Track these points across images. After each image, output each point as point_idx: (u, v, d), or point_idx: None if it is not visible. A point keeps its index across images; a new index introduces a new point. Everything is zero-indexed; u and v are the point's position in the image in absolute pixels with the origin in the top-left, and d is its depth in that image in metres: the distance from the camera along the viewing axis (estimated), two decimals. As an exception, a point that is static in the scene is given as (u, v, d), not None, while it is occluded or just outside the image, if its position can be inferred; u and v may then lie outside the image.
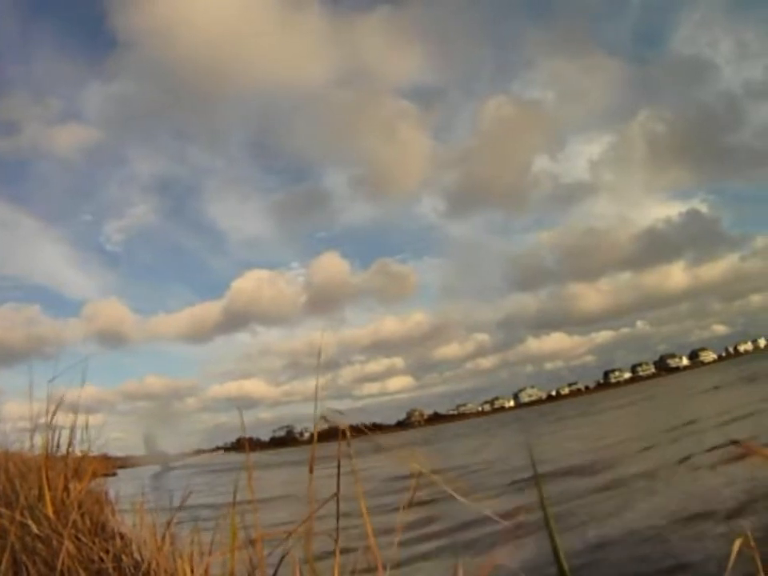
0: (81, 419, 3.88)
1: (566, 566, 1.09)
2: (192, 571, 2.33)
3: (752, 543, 1.45)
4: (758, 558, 1.39)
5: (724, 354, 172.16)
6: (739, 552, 1.47)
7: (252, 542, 2.04)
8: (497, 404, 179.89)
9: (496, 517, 1.80)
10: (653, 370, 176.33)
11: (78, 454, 3.80)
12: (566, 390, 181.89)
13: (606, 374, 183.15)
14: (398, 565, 1.95)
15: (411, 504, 1.90)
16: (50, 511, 2.83)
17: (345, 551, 1.85)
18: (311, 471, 1.85)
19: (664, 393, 33.85)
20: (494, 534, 5.33)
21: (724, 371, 47.26)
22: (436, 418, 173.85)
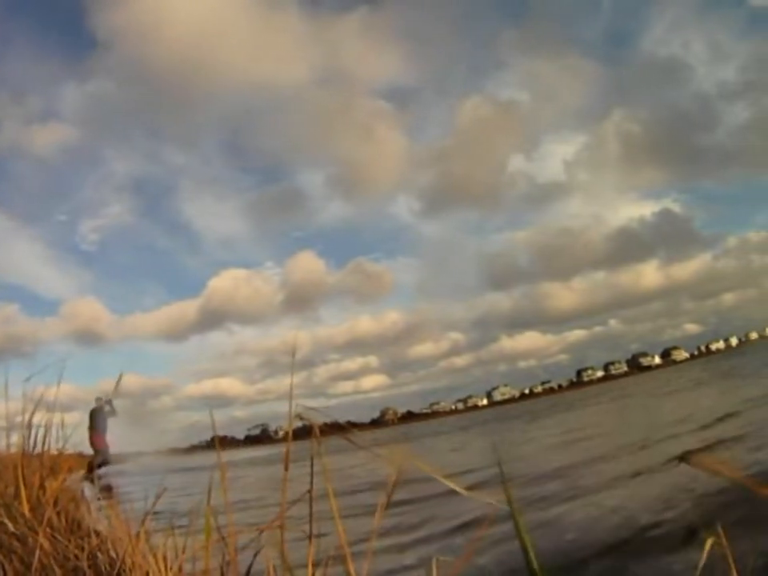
0: (57, 417, 3.90)
1: (536, 565, 1.13)
2: (166, 568, 2.35)
3: (724, 541, 1.47)
4: (730, 556, 1.42)
5: (696, 353, 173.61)
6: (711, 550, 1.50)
7: (225, 540, 2.06)
8: (470, 402, 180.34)
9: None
10: (625, 368, 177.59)
11: (54, 452, 3.82)
12: (539, 389, 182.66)
13: (579, 373, 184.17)
14: (370, 559, 1.98)
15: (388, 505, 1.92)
16: (25, 509, 2.85)
17: (318, 548, 1.88)
18: (286, 469, 1.88)
19: (641, 391, 33.91)
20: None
21: (698, 369, 47.60)
22: (409, 417, 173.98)
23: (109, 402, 22.43)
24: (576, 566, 3.80)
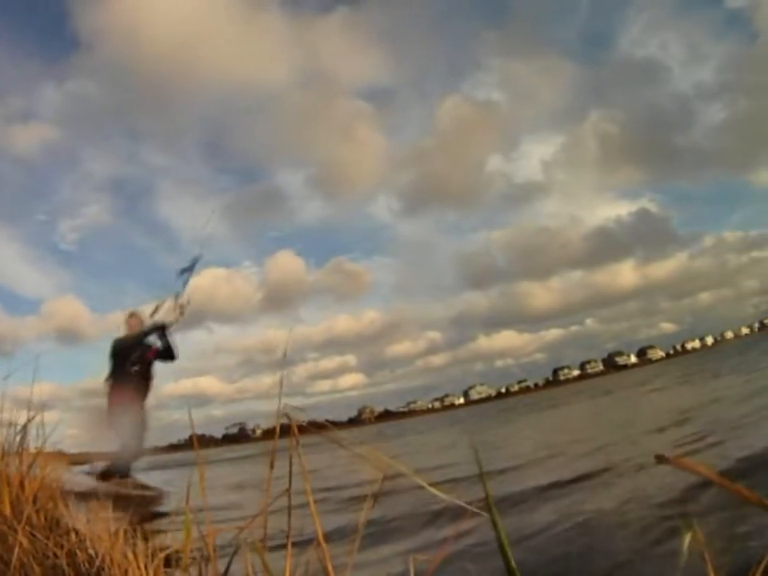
0: (37, 416, 3.90)
1: (512, 562, 1.16)
2: (145, 567, 2.36)
3: (701, 538, 1.49)
4: (707, 554, 1.42)
5: (672, 352, 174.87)
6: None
7: (205, 538, 2.07)
8: (447, 401, 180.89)
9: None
10: (601, 367, 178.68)
11: (34, 450, 3.82)
12: (515, 388, 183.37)
13: (555, 372, 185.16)
14: (350, 558, 2.00)
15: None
16: (5, 508, 2.86)
17: (297, 546, 1.90)
18: (271, 467, 1.89)
19: (617, 389, 34.12)
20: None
21: (674, 368, 47.99)
22: (386, 416, 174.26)
23: (181, 308, 10.61)
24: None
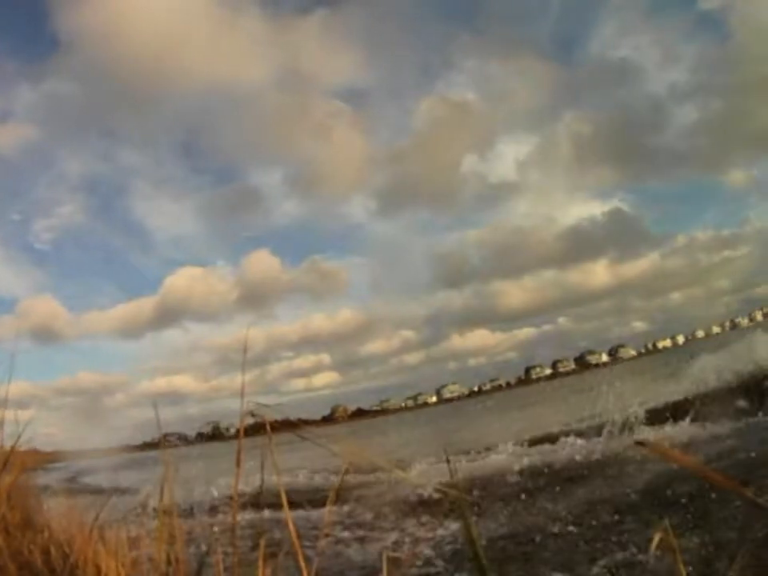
0: (11, 414, 3.88)
1: (482, 556, 1.19)
2: (118, 563, 2.37)
3: (671, 536, 1.50)
4: (678, 552, 1.43)
5: (643, 351, 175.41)
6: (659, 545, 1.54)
7: (176, 534, 2.09)
8: (420, 400, 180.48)
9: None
10: (573, 366, 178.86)
11: (7, 448, 3.81)
12: (487, 386, 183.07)
13: (528, 370, 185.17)
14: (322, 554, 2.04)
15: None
16: (-21, 505, 2.86)
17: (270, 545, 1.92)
18: (238, 465, 1.92)
19: (596, 385, 34.16)
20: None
21: (648, 364, 48.31)
22: (360, 414, 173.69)
23: None
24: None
